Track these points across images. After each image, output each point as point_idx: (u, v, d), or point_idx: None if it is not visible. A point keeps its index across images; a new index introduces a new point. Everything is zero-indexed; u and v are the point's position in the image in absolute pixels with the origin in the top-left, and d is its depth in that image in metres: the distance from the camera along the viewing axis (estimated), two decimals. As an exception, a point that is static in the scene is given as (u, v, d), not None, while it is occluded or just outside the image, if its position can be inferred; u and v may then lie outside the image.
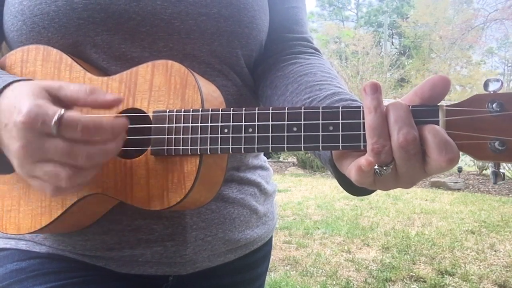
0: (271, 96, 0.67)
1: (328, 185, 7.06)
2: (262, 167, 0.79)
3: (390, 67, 17.24)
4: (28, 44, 0.60)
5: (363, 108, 0.46)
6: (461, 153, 0.43)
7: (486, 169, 7.61)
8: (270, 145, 0.48)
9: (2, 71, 0.58)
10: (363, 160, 0.45)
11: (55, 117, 0.45)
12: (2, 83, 0.51)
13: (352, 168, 0.46)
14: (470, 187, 6.98)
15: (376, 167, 0.44)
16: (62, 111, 0.46)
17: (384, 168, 0.44)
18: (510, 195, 6.35)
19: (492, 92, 0.42)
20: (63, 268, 0.62)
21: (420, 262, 3.30)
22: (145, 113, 0.54)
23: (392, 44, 26.72)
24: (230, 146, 0.50)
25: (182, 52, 0.61)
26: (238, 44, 0.65)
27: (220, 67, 0.65)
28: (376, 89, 0.44)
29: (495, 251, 3.59)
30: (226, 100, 0.61)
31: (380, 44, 19.84)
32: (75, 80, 0.57)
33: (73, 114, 0.46)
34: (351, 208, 5.25)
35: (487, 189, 6.82)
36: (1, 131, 0.49)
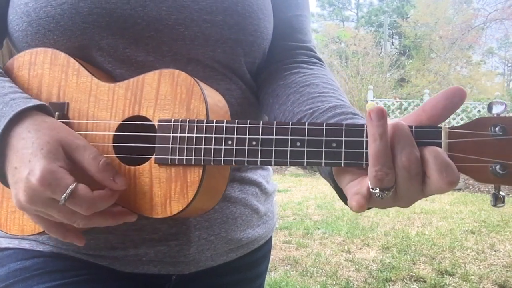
0: (272, 104, 0.67)
1: (328, 185, 7.03)
2: (262, 167, 0.80)
3: (390, 67, 17.21)
4: (34, 44, 0.61)
5: (366, 127, 0.46)
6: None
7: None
8: (273, 159, 0.49)
9: (10, 84, 0.57)
10: (363, 194, 0.45)
11: (66, 193, 0.48)
12: (16, 108, 0.51)
13: (352, 199, 0.45)
14: (470, 187, 6.97)
15: (377, 191, 0.44)
16: (73, 186, 0.48)
17: (386, 192, 0.44)
18: (510, 195, 6.35)
19: (495, 115, 0.43)
20: (68, 266, 0.63)
21: (420, 262, 3.31)
22: (150, 121, 0.55)
23: (392, 44, 26.70)
24: (234, 158, 0.50)
25: (186, 57, 0.61)
26: (241, 51, 0.65)
27: (223, 71, 0.65)
28: (382, 116, 0.42)
29: (495, 251, 3.60)
30: (230, 103, 0.61)
31: (380, 44, 19.82)
32: (82, 85, 0.58)
33: (83, 191, 0.49)
34: (351, 208, 5.25)
35: (487, 189, 6.81)
36: (8, 170, 0.51)
